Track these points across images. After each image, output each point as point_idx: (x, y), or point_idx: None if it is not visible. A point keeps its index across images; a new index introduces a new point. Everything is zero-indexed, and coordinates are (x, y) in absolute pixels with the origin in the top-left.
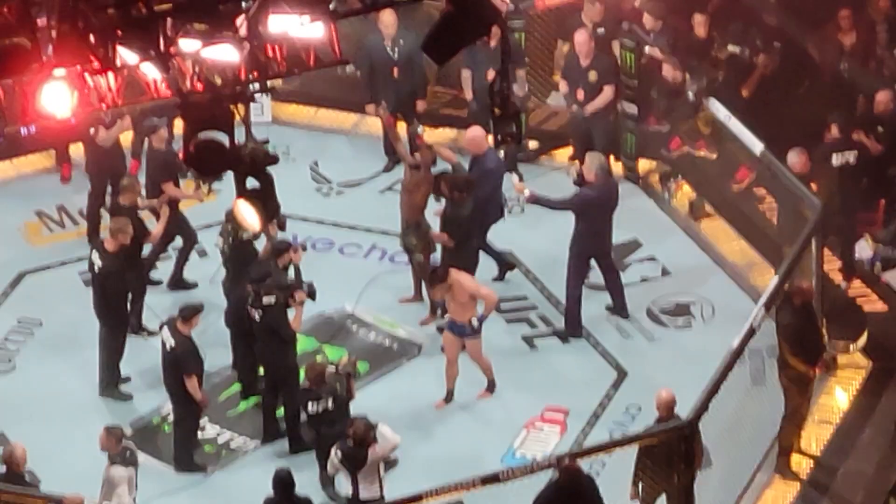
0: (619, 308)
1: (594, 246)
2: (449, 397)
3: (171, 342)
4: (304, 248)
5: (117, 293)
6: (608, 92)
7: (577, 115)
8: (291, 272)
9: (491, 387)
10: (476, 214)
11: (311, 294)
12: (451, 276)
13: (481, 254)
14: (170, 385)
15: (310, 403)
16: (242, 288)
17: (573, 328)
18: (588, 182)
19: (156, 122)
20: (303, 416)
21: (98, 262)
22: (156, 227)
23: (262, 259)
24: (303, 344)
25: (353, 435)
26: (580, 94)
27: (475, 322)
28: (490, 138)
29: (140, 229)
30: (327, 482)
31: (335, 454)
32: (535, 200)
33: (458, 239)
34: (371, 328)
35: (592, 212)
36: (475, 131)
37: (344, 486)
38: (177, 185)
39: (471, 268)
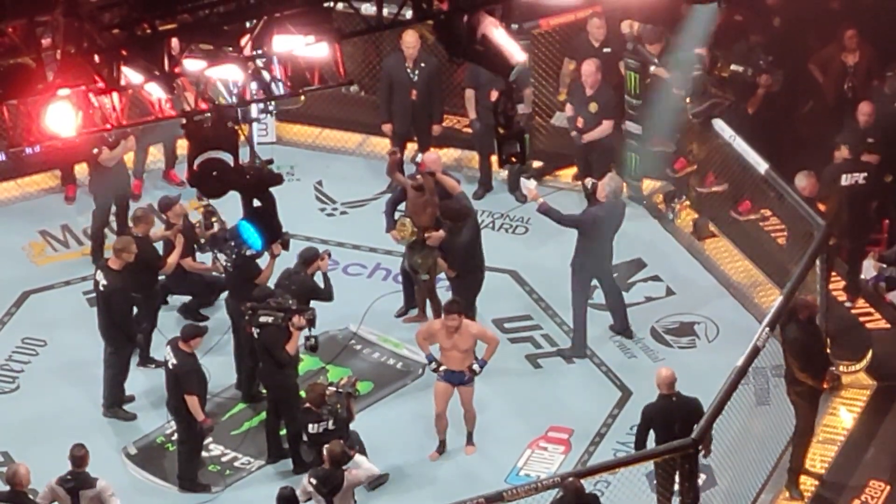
0: (621, 327)
1: (595, 265)
2: (442, 448)
3: (173, 360)
4: (329, 255)
5: (122, 312)
6: (606, 126)
7: (577, 140)
8: (320, 280)
9: (470, 439)
10: (475, 243)
11: (311, 321)
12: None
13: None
14: (173, 404)
15: (310, 424)
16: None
17: (579, 349)
18: (598, 200)
19: (171, 198)
20: (304, 437)
21: (103, 281)
22: (171, 256)
23: (293, 271)
24: (306, 364)
25: (329, 456)
26: (580, 122)
27: (476, 367)
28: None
29: (154, 258)
30: None
31: (308, 482)
32: (546, 212)
33: (458, 267)
34: (375, 348)
35: (598, 230)
36: (432, 155)
37: None
38: (195, 258)
39: (473, 297)
